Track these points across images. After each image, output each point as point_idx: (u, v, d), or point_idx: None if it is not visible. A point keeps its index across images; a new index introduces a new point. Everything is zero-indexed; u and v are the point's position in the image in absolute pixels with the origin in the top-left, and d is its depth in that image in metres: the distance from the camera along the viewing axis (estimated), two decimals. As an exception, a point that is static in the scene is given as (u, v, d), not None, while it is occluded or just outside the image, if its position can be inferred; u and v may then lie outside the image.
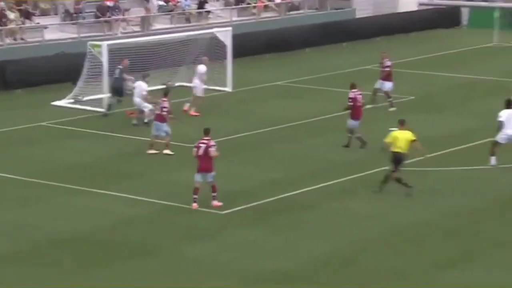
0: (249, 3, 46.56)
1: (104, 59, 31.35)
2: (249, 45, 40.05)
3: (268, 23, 45.03)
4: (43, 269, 17.98)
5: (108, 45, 31.80)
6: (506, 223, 20.66)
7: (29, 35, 38.14)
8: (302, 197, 22.41)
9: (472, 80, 36.60)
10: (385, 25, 47.74)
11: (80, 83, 32.44)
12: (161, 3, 43.91)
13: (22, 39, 37.68)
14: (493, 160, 24.45)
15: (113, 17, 40.57)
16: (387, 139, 22.26)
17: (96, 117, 30.36)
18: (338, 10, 49.55)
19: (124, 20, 41.59)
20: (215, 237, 19.85)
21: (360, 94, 26.63)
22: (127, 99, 29.98)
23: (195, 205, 21.27)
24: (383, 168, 22.94)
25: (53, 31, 39.14)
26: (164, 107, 25.87)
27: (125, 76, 30.63)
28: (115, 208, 21.67)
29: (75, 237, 19.73)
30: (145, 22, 41.87)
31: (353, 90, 26.56)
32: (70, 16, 40.32)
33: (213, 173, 21.18)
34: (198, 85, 30.73)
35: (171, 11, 43.87)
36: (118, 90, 30.40)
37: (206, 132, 21.38)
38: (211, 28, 38.03)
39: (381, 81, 31.36)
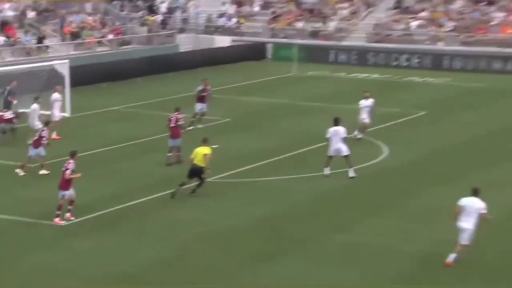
0: (84, 39, 45.85)
1: None
2: (86, 76, 39.20)
3: (102, 56, 44.55)
4: None
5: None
6: (301, 224, 20.71)
7: None
8: (138, 207, 21.85)
9: (277, 103, 37.08)
10: (204, 58, 47.97)
11: None
12: (4, 38, 42.40)
13: None
14: (326, 170, 24.54)
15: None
16: (192, 155, 22.41)
17: None
18: (164, 45, 49.73)
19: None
20: (56, 247, 18.94)
21: (180, 117, 26.16)
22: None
23: (57, 219, 20.28)
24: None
25: None
26: (43, 136, 24.73)
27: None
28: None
29: None
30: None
31: (176, 112, 26.14)
32: None
33: (65, 192, 20.29)
34: (54, 111, 29.68)
35: (13, 45, 42.50)
36: None
37: (72, 154, 20.71)
38: (50, 61, 36.89)
39: (198, 103, 31.15)
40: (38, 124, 27.63)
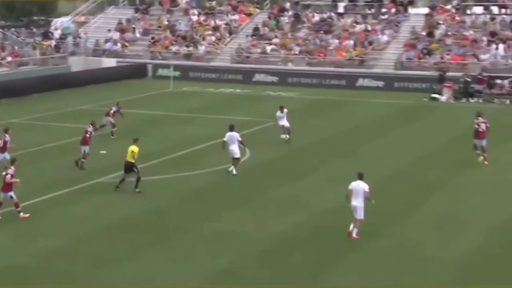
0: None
1: None
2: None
3: (2, 76, 42.58)
4: None
5: None
6: (181, 215, 20.53)
7: None
8: (37, 205, 21.02)
9: (157, 115, 36.66)
10: (93, 77, 46.82)
11: None
12: None
13: None
14: (234, 170, 24.31)
15: None
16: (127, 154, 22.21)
17: None
18: (58, 66, 48.14)
19: None
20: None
21: (90, 130, 25.50)
22: None
23: (21, 214, 19.84)
24: (96, 181, 22.03)
25: None
26: (6, 141, 24.21)
27: None
28: None
29: None
30: None
31: (91, 124, 25.64)
32: None
33: (7, 194, 19.69)
34: None
35: None
36: None
37: (11, 162, 20.46)
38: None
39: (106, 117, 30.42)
40: None
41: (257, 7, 56.58)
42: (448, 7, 51.99)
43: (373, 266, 16.84)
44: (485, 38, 47.57)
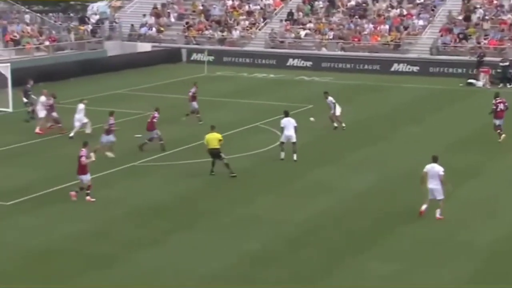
0: (24, 45, 44.12)
1: None
2: (26, 77, 37.39)
3: (40, 60, 42.88)
4: None
5: None
6: (212, 199, 20.46)
7: None
8: (66, 190, 20.86)
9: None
10: (129, 61, 46.86)
11: None
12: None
13: None
14: (282, 154, 24.13)
15: None
16: (204, 141, 22.38)
17: None
18: (94, 50, 48.26)
19: None
20: (1, 222, 18.22)
21: (156, 115, 25.55)
22: None
23: (88, 197, 19.90)
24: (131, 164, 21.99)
25: None
26: (111, 124, 24.37)
27: None
28: None
29: None
30: None
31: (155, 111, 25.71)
32: None
33: (82, 177, 19.77)
34: (39, 110, 28.99)
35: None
36: None
37: (84, 144, 20.08)
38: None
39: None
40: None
41: (291, -8, 56.07)
42: (486, -10, 50.86)
43: (407, 252, 16.55)
44: (523, 22, 46.47)
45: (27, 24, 47.60)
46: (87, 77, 42.41)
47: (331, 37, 49.38)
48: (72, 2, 70.77)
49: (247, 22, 52.79)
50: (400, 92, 39.08)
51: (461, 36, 46.55)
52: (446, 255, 16.44)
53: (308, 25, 51.21)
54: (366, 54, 47.47)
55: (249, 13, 53.93)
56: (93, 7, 56.37)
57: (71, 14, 57.97)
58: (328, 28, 50.13)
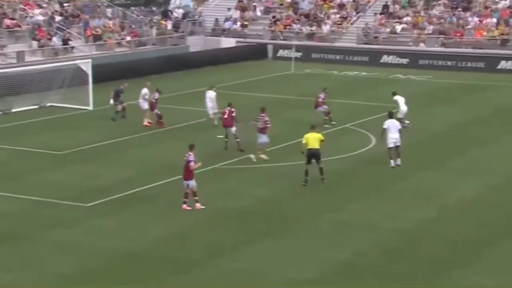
0: (105, 41, 45.47)
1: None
2: (107, 73, 38.79)
3: (121, 56, 44.05)
4: None
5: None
6: (299, 204, 20.54)
7: None
8: (154, 189, 21.56)
9: (277, 98, 36.73)
10: (212, 58, 47.55)
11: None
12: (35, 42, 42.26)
13: None
14: (392, 162, 23.74)
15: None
16: (303, 141, 22.01)
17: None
18: (176, 46, 49.26)
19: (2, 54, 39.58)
20: (80, 224, 18.83)
21: (233, 110, 26.02)
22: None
23: (184, 205, 19.82)
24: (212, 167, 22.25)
25: None
26: (266, 121, 24.45)
27: None
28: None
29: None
30: (19, 55, 39.78)
31: (228, 107, 26.13)
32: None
33: (189, 182, 19.70)
34: (142, 103, 30.33)
35: (42, 47, 42.16)
36: None
37: (190, 147, 19.94)
38: (75, 60, 36.69)
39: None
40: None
41: (387, -17, 55.45)
42: None
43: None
44: None
45: (109, 19, 49.03)
46: (169, 74, 43.14)
47: (430, 31, 48.48)
48: (154, -4, 72.45)
49: (338, 16, 52.55)
50: (507, 92, 38.03)
51: None
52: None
53: (405, 19, 50.46)
54: (470, 50, 46.33)
55: (341, 6, 53.66)
56: (176, 1, 57.49)
57: (153, 8, 59.29)
58: (427, 22, 49.22)
